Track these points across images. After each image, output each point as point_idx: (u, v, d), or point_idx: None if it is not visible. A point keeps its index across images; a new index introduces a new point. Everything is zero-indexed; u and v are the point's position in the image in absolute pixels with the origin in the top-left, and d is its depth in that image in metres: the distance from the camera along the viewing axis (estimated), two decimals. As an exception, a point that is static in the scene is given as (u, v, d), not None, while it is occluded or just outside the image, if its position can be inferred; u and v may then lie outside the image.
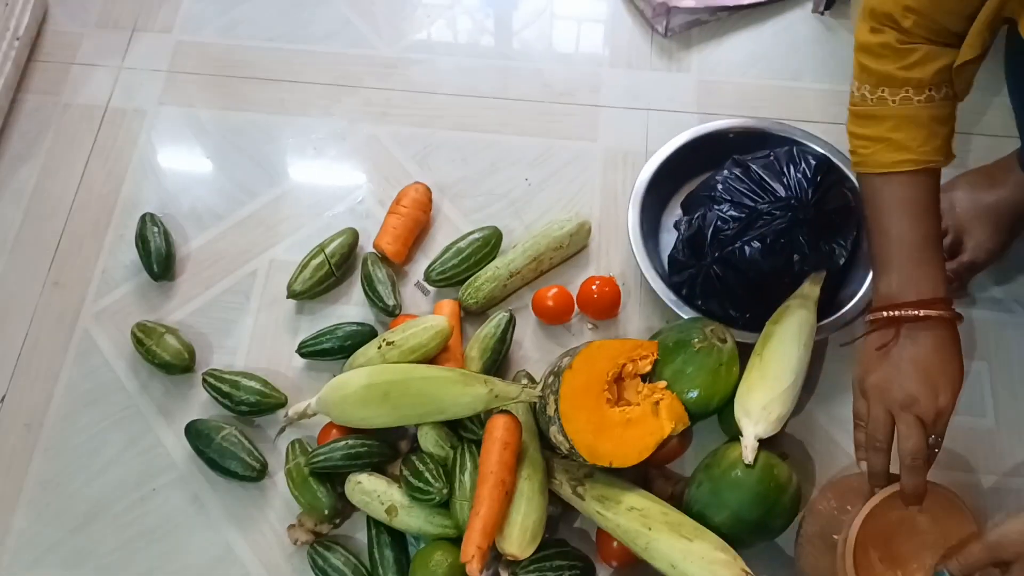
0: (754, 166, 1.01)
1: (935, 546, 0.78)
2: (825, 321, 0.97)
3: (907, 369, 0.80)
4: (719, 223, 0.98)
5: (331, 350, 1.00)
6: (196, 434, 0.96)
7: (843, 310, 0.98)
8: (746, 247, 0.96)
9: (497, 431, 0.88)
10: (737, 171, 1.01)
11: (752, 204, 0.98)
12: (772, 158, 1.02)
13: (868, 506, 0.77)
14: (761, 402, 0.88)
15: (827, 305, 0.98)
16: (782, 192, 0.98)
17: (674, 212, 1.09)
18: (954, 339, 0.81)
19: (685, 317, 0.99)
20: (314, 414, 0.94)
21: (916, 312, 0.80)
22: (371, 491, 0.90)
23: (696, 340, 0.91)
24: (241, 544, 0.94)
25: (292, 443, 0.95)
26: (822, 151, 1.05)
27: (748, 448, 0.85)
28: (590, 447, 0.85)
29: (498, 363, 0.99)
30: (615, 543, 0.89)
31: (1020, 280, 1.05)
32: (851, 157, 0.86)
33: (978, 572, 0.73)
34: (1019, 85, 0.93)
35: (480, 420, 0.92)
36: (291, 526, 0.93)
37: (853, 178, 1.02)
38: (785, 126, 1.09)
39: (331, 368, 1.01)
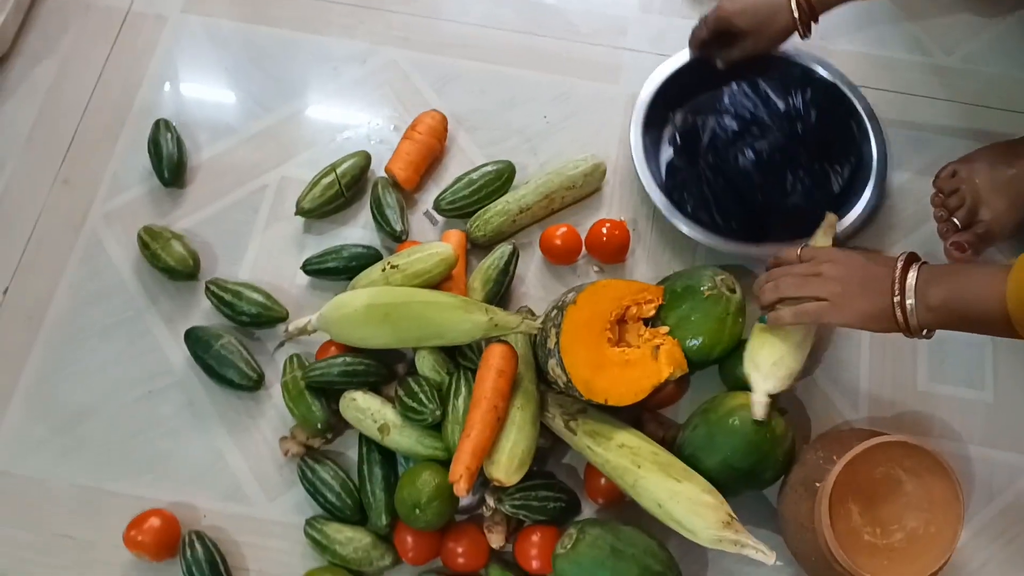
0: (763, 83, 1.02)
1: (918, 508, 0.79)
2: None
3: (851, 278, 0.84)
4: (718, 130, 0.98)
5: (336, 269, 1.00)
6: (195, 340, 0.97)
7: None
8: (740, 156, 0.97)
9: (493, 359, 0.88)
10: (745, 85, 1.02)
11: (752, 116, 0.99)
12: (782, 79, 1.03)
13: (851, 454, 0.78)
14: (772, 357, 0.88)
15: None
16: (785, 110, 0.99)
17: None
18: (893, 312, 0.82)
19: (682, 228, 1.00)
20: (314, 331, 0.94)
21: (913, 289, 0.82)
22: (365, 409, 0.91)
23: (705, 287, 0.91)
24: (233, 451, 0.95)
25: (290, 357, 0.96)
26: (832, 79, 1.07)
27: (758, 404, 0.84)
28: (587, 382, 0.85)
29: (500, 295, 0.99)
30: (603, 480, 0.89)
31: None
32: None
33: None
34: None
35: (478, 349, 0.92)
36: (283, 438, 0.94)
37: (861, 109, 1.05)
38: (800, 52, 1.08)
39: (334, 287, 1.01)
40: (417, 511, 0.84)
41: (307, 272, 1.01)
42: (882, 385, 0.98)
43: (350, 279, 0.98)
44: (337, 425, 0.94)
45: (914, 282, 0.79)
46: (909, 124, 1.12)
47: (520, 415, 0.87)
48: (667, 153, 1.07)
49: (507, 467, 0.84)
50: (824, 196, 1.01)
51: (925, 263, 0.81)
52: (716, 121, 1.00)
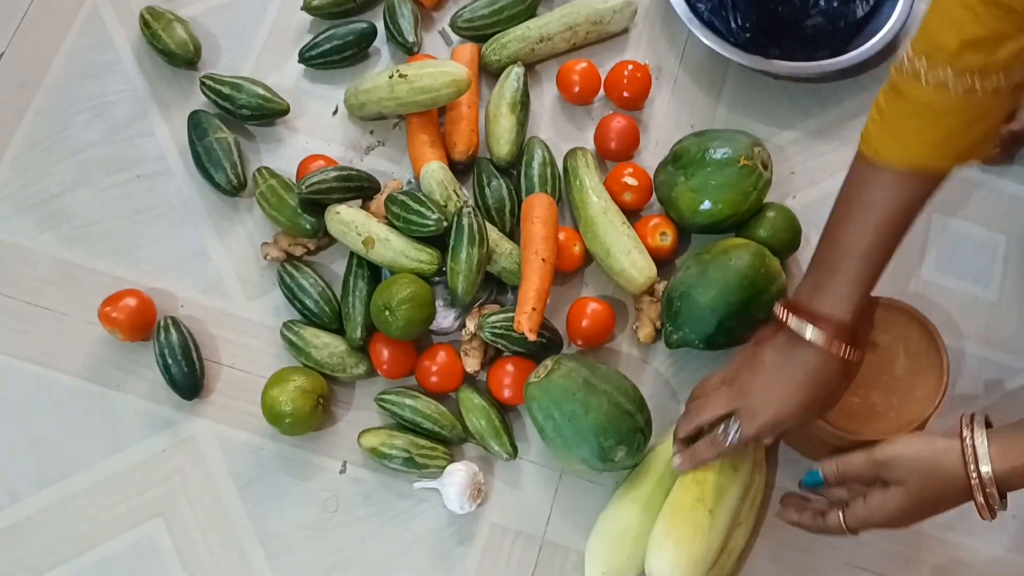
0: None
1: (903, 371, 0.77)
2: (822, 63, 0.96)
3: (753, 366, 0.74)
4: None
5: (331, 51, 0.97)
6: (196, 124, 0.94)
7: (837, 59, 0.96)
8: None
9: (536, 210, 0.88)
10: None
11: None
12: None
13: None
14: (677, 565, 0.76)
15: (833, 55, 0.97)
16: None
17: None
18: (817, 372, 0.72)
19: (698, 35, 0.96)
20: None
21: (802, 323, 0.71)
22: (350, 222, 0.88)
23: (743, 156, 0.86)
24: (217, 246, 0.93)
25: (258, 169, 0.93)
26: None
27: None
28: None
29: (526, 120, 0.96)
30: (585, 322, 0.88)
31: (1068, 162, 0.99)
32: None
33: (851, 482, 0.72)
34: None
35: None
36: (265, 243, 0.92)
37: None
38: None
39: (336, 84, 0.98)
40: (387, 313, 0.82)
41: (304, 61, 0.98)
42: (888, 270, 0.94)
43: (349, 65, 0.97)
44: (321, 237, 0.92)
45: (986, 448, 0.66)
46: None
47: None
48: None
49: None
50: (846, 19, 0.97)
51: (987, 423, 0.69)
52: None
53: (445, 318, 0.89)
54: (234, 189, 0.92)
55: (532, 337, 0.83)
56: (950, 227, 0.93)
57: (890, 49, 0.99)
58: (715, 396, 0.76)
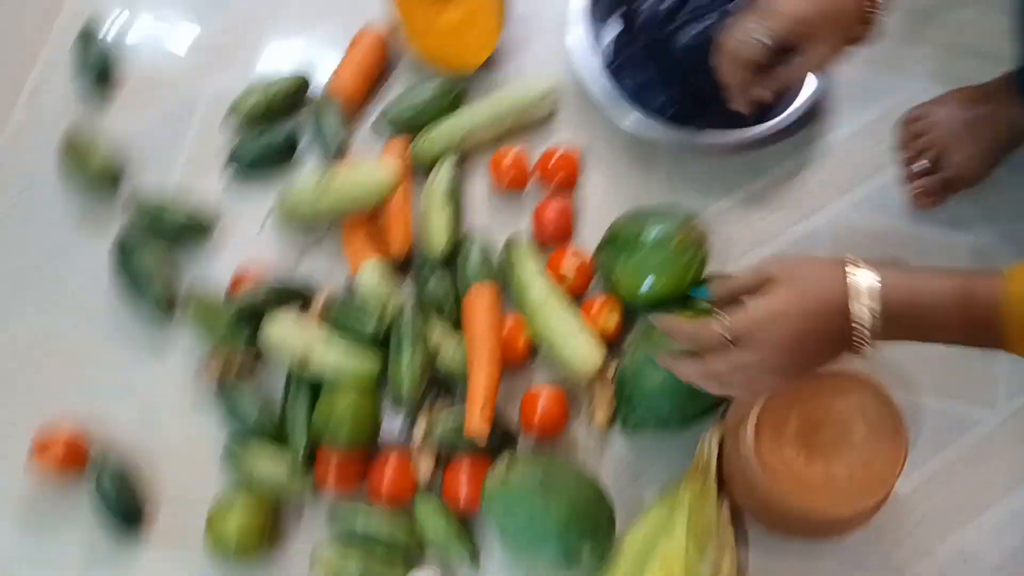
0: None
1: (860, 443, 0.75)
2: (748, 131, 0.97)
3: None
4: (658, 7, 0.96)
5: (258, 158, 0.97)
6: (122, 246, 0.92)
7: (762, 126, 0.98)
8: (679, 35, 0.93)
9: (478, 302, 0.87)
10: None
11: None
12: None
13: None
14: None
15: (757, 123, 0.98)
16: None
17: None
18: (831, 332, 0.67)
19: (621, 116, 0.97)
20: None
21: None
22: (286, 330, 0.86)
23: (675, 239, 0.86)
24: (150, 370, 0.90)
25: (189, 286, 0.91)
26: None
27: None
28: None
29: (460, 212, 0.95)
30: (538, 413, 0.85)
31: (998, 205, 1.00)
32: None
33: (738, 294, 0.71)
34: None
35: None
36: (200, 361, 0.89)
37: None
38: None
39: (265, 191, 0.97)
40: (331, 423, 0.79)
41: (231, 171, 0.97)
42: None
43: (279, 171, 0.96)
44: (257, 352, 0.89)
45: (874, 273, 0.66)
46: (872, 66, 1.07)
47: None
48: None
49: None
50: None
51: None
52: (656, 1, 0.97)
53: (392, 423, 0.86)
54: (165, 310, 0.89)
55: (484, 435, 0.80)
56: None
57: (811, 113, 1.01)
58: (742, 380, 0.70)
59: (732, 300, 0.72)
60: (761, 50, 0.80)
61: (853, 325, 0.65)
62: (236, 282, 0.92)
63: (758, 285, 0.69)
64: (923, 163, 0.98)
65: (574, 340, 0.86)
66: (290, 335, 0.85)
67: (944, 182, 0.97)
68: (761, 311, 0.68)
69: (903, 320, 0.66)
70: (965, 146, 0.97)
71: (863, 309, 0.65)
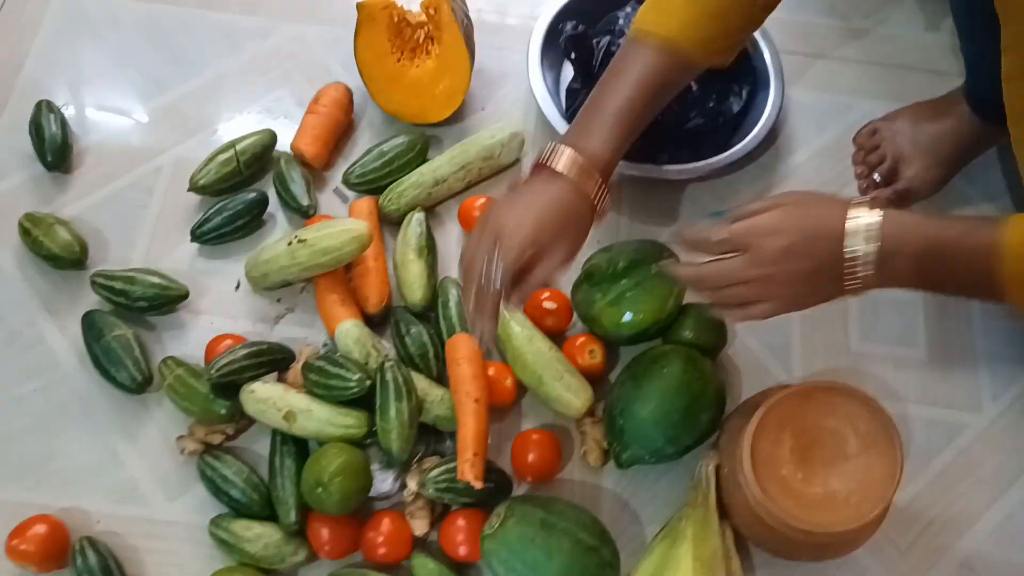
0: None
1: (855, 456, 0.74)
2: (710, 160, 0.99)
3: (507, 202, 0.77)
4: (613, 48, 0.97)
5: (224, 224, 0.95)
6: (90, 324, 0.89)
7: (724, 154, 0.99)
8: None
9: (460, 351, 0.86)
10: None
11: None
12: None
13: (780, 394, 0.76)
14: None
15: (718, 151, 1.00)
16: None
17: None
18: (561, 199, 0.75)
19: None
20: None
21: (550, 155, 0.76)
22: (267, 398, 0.84)
23: (653, 269, 0.86)
24: (128, 449, 0.87)
25: (164, 360, 0.88)
26: None
27: None
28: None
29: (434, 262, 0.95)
30: (531, 456, 0.84)
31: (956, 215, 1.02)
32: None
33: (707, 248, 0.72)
34: (963, 9, 0.91)
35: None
36: (180, 437, 0.86)
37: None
38: None
39: (234, 258, 0.96)
40: (320, 490, 0.77)
41: (197, 239, 0.95)
42: (814, 348, 0.95)
43: (243, 236, 0.96)
44: (239, 418, 0.87)
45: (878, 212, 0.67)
46: (825, 87, 1.10)
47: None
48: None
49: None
50: (724, 116, 1.01)
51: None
52: (610, 41, 0.98)
53: (384, 481, 0.84)
54: (139, 387, 0.87)
55: (478, 485, 0.78)
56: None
57: (770, 137, 1.03)
58: (745, 287, 0.72)
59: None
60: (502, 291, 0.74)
61: (846, 255, 0.67)
62: (210, 351, 0.90)
63: (768, 209, 0.71)
64: (878, 176, 1.00)
65: (560, 380, 0.86)
66: (270, 402, 0.83)
67: (898, 194, 0.99)
68: (760, 222, 0.70)
69: (898, 260, 0.66)
70: (918, 159, 0.99)
71: (858, 240, 0.66)
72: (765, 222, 0.70)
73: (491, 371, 0.87)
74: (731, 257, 0.71)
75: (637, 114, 0.79)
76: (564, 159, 0.76)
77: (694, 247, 0.74)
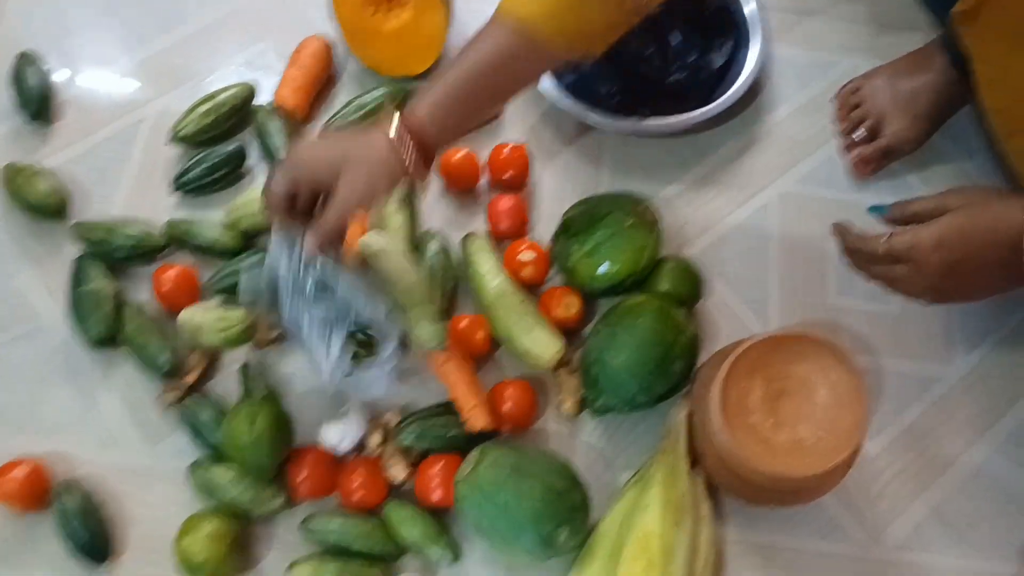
0: None
1: (824, 405, 0.75)
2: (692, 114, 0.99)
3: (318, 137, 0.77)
4: None
5: (204, 174, 0.95)
6: (78, 270, 0.90)
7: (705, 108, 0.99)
8: None
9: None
10: None
11: None
12: None
13: (748, 343, 0.76)
14: None
15: (699, 106, 1.00)
16: None
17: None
18: (366, 142, 0.72)
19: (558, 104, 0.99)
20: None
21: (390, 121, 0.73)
22: (199, 324, 0.86)
23: (630, 220, 0.87)
24: (109, 396, 0.88)
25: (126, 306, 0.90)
26: None
27: None
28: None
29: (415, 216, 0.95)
30: (507, 405, 0.85)
31: (938, 172, 1.02)
32: None
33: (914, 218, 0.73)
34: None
35: None
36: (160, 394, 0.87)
37: None
38: None
39: (214, 208, 0.96)
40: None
41: (179, 188, 0.96)
42: (792, 301, 0.96)
43: (224, 187, 0.97)
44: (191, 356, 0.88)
45: None
46: (810, 44, 1.10)
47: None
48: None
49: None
50: (707, 70, 1.02)
51: None
52: None
53: (342, 435, 0.84)
54: (99, 342, 0.88)
55: (494, 427, 0.82)
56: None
57: (752, 93, 1.03)
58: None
59: (907, 222, 0.74)
60: (286, 202, 0.74)
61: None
62: (157, 280, 0.90)
63: (935, 212, 0.71)
64: (860, 132, 1.01)
65: (529, 334, 0.87)
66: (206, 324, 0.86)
67: (881, 150, 1.00)
68: (924, 236, 0.70)
69: None
70: (900, 114, 0.99)
71: None
72: (928, 237, 0.70)
73: (464, 323, 0.88)
74: (893, 268, 0.74)
75: (476, 91, 0.76)
76: (394, 118, 0.73)
77: (855, 255, 0.76)
